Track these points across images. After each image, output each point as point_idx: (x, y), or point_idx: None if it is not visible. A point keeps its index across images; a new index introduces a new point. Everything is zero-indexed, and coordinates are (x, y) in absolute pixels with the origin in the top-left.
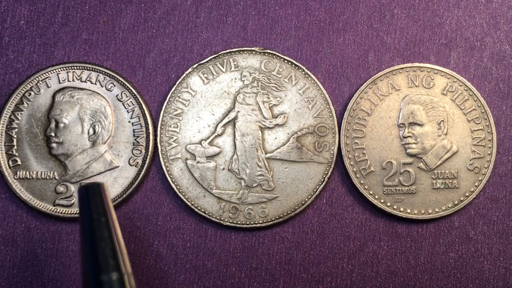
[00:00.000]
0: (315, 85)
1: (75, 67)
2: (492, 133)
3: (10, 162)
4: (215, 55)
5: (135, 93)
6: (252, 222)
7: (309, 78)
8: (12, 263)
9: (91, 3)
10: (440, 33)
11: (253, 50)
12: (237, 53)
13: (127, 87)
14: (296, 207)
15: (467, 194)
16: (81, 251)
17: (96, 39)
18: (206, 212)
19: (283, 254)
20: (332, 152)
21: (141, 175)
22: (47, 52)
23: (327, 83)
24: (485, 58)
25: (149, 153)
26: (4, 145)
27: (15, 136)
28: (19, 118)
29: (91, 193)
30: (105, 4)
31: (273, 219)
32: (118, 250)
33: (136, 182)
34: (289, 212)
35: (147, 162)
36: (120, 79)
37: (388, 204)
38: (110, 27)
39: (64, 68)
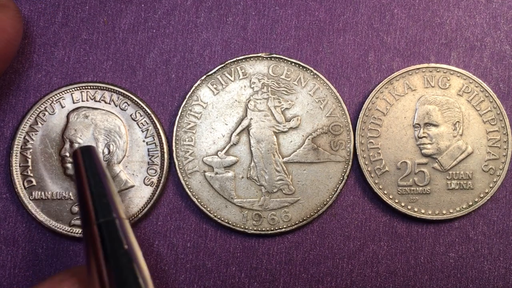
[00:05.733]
0: (324, 85)
1: (89, 87)
2: (507, 135)
3: (25, 183)
4: (222, 65)
5: (149, 112)
6: (276, 228)
7: (318, 79)
8: (13, 263)
9: (91, 3)
10: (440, 33)
11: (260, 56)
12: (243, 60)
13: (141, 106)
14: (318, 208)
15: (482, 196)
16: (79, 203)
17: (96, 39)
18: (230, 222)
19: (283, 254)
20: (348, 150)
21: (156, 194)
22: (47, 52)
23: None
24: (485, 58)
25: (164, 172)
26: (19, 166)
27: (29, 156)
28: (34, 139)
29: (85, 155)
30: (105, 4)
31: (296, 222)
32: (111, 199)
33: (152, 202)
34: (312, 214)
35: (162, 181)
36: (134, 98)
37: (403, 204)
38: (110, 27)
39: (78, 88)
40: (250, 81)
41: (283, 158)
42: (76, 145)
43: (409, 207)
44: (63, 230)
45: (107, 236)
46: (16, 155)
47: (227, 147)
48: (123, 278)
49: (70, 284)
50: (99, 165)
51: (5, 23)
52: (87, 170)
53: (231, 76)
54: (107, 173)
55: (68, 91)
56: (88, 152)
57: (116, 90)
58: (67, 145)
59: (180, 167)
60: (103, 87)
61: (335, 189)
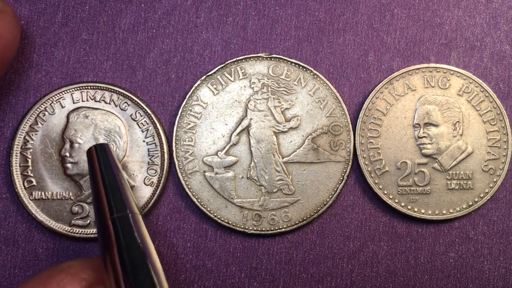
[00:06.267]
0: (324, 85)
1: (89, 87)
2: (507, 135)
3: (26, 183)
4: (222, 65)
5: (149, 112)
6: (276, 228)
7: (318, 79)
8: (13, 263)
9: (91, 3)
10: (440, 33)
11: (260, 56)
12: (243, 60)
13: (141, 106)
14: (318, 208)
15: (482, 196)
16: (94, 198)
17: (96, 39)
18: (230, 222)
19: (283, 254)
20: (348, 150)
21: (156, 194)
22: (47, 52)
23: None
24: (485, 58)
25: (164, 172)
26: (19, 166)
27: (29, 156)
28: (34, 139)
29: (99, 151)
30: (105, 4)
31: (296, 222)
32: (125, 194)
33: (152, 202)
34: (312, 214)
35: (162, 181)
36: (134, 98)
37: (403, 204)
38: (110, 27)
39: (78, 88)
40: (250, 81)
41: (283, 158)
42: (76, 145)
43: (409, 207)
44: (63, 230)
45: (121, 230)
46: (16, 155)
47: (227, 147)
48: (136, 272)
49: (59, 279)
50: (113, 162)
51: (2, 29)
52: (102, 167)
53: (231, 76)
54: (121, 170)
55: (68, 91)
56: (102, 149)
57: (116, 90)
58: (67, 145)
59: (180, 167)
60: (103, 87)
61: (335, 189)
